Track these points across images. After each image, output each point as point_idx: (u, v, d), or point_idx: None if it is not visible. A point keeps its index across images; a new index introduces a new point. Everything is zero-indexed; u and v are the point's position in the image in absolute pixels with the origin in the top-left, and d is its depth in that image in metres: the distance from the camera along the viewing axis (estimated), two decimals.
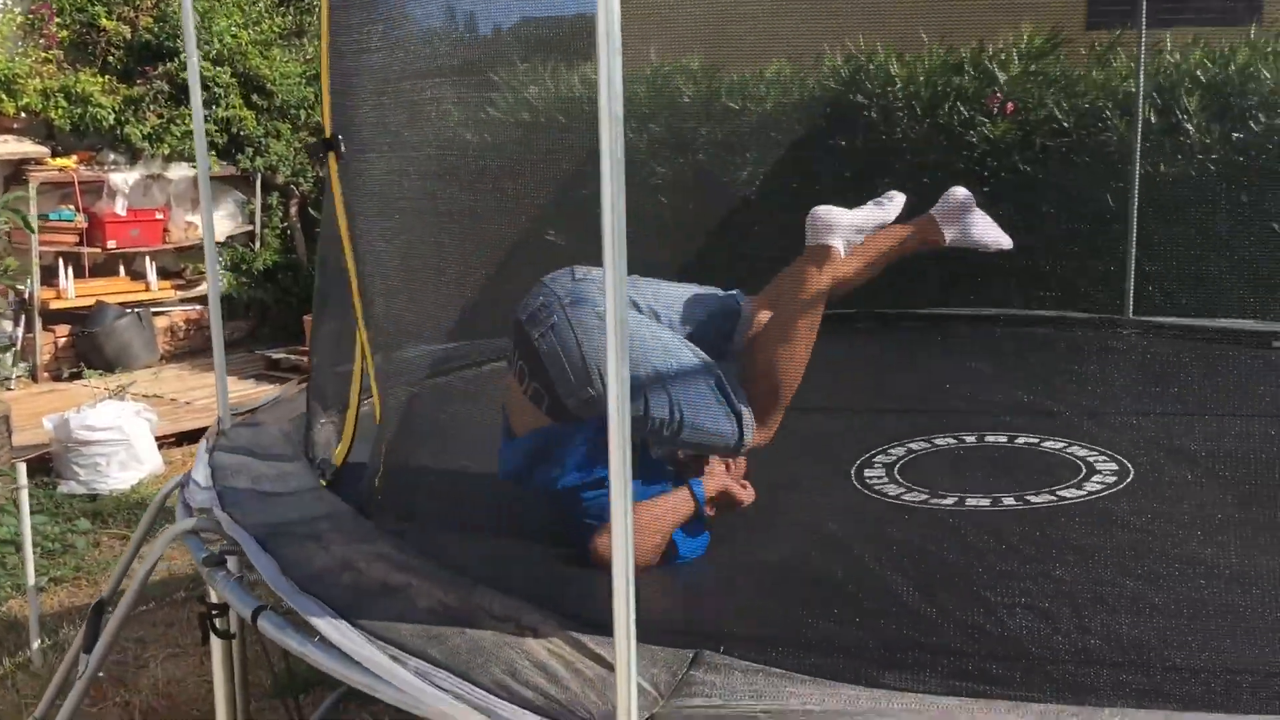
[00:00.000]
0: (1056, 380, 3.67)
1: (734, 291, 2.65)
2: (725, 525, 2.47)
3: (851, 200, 4.98)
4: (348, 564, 2.21)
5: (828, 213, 2.53)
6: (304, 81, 7.61)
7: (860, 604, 2.13)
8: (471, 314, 2.91)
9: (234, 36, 7.19)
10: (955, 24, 5.65)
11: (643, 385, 2.27)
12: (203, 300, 7.38)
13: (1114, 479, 2.81)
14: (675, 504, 2.36)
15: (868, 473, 2.96)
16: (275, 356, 6.99)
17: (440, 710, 1.79)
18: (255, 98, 7.39)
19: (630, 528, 1.63)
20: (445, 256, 2.63)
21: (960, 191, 2.71)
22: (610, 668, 1.73)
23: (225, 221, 7.61)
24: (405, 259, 2.61)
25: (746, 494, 2.48)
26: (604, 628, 1.67)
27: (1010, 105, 5.18)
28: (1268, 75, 4.64)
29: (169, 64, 7.04)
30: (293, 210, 7.89)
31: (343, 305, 2.78)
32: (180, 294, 7.50)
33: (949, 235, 2.70)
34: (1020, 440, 3.17)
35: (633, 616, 1.64)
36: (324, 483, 2.69)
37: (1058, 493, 2.74)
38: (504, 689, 1.79)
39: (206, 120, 6.97)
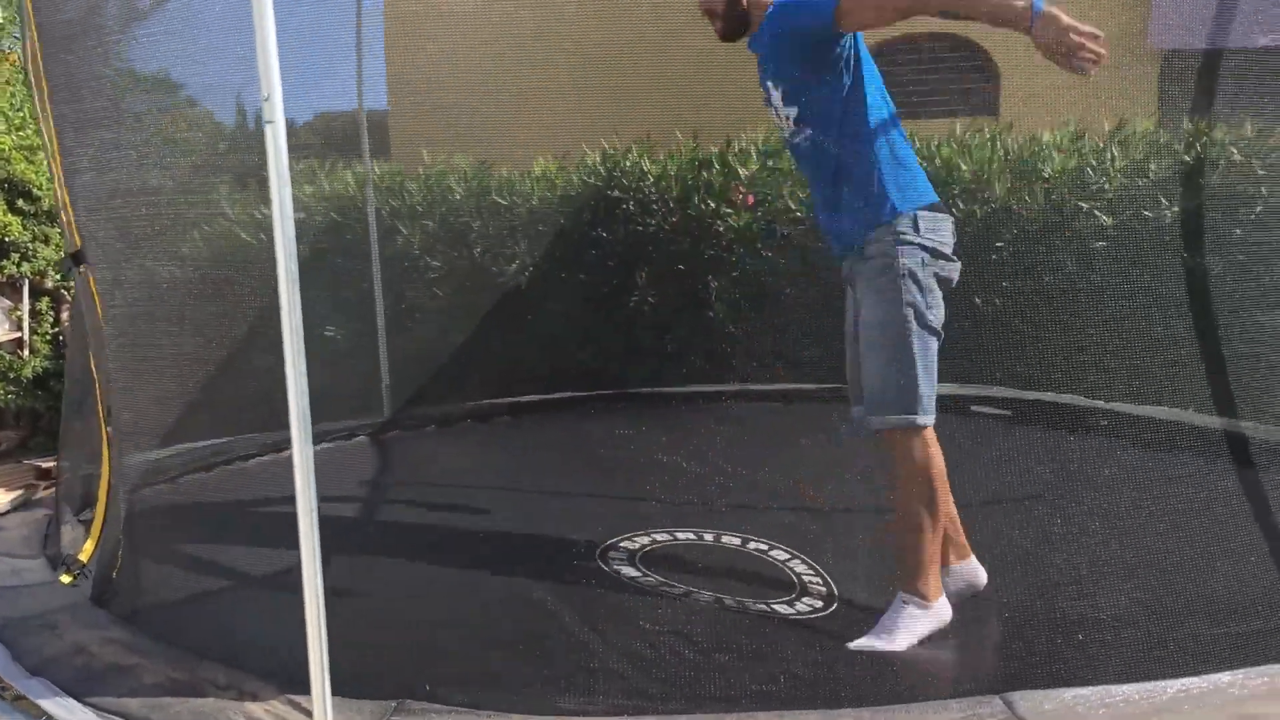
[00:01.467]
0: (786, 452, 4.13)
1: None
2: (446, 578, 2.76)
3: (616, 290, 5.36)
4: (81, 648, 2.39)
5: None
6: None
7: (550, 652, 2.45)
8: (216, 413, 3.15)
9: None
10: (705, 123, 6.24)
11: None
12: None
13: (820, 604, 3.02)
14: None
15: (611, 555, 3.23)
16: (46, 465, 6.88)
17: None
18: (21, 203, 7.35)
19: (320, 591, 1.92)
20: (184, 359, 2.88)
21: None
22: None
23: None
24: (146, 364, 2.84)
25: None
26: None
27: (750, 198, 5.75)
28: (964, 167, 5.32)
29: None
30: (63, 315, 7.82)
31: (90, 409, 2.98)
32: None
33: None
34: (751, 545, 3.46)
35: (327, 676, 1.93)
36: (68, 578, 2.85)
37: (772, 605, 3.01)
38: None
39: None
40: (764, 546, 3.29)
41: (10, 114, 7.39)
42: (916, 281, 2.67)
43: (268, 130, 1.85)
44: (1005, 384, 4.78)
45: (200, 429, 3.72)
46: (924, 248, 2.68)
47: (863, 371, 2.77)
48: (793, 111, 2.85)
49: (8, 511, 3.53)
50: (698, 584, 2.94)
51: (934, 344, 2.72)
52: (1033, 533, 2.90)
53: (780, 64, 2.85)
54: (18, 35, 8.22)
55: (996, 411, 4.56)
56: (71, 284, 7.87)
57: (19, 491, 6.34)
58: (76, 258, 2.68)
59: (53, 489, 3.50)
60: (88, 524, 3.09)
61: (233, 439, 3.98)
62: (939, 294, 2.73)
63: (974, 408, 4.64)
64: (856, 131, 2.77)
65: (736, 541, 3.34)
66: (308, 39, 5.71)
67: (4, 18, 7.41)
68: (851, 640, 2.54)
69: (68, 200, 2.70)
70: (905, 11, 2.67)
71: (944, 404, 4.66)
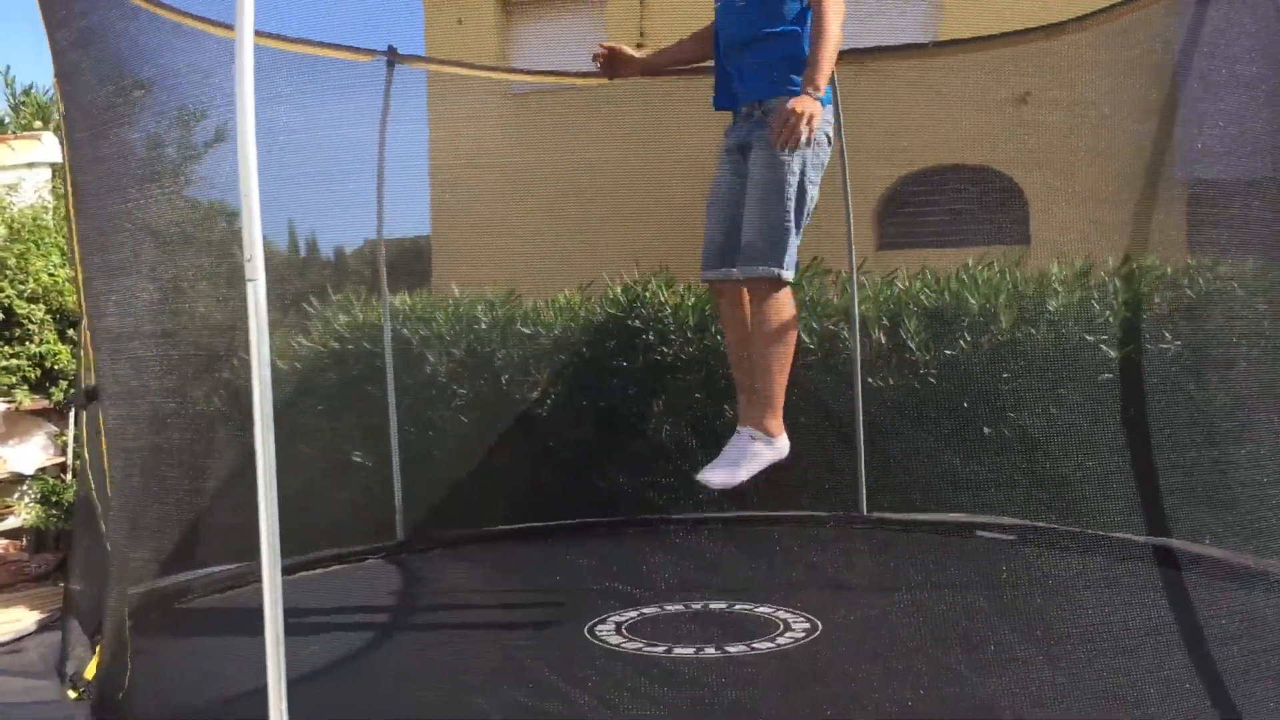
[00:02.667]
0: (798, 566, 4.34)
1: None
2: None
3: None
4: None
5: None
6: None
7: None
8: (217, 542, 3.40)
9: (51, 275, 7.67)
10: None
11: None
12: (9, 535, 7.55)
13: (803, 634, 3.46)
14: None
15: (599, 628, 3.61)
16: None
17: None
18: (71, 332, 7.81)
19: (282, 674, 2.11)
20: (187, 490, 3.14)
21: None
22: None
23: (37, 453, 7.88)
24: (151, 495, 3.11)
25: None
26: None
27: None
28: (972, 300, 5.53)
29: None
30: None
31: (98, 534, 3.24)
32: None
33: None
34: (737, 606, 3.81)
35: None
36: (74, 694, 3.06)
37: (752, 645, 3.35)
38: None
39: (18, 356, 7.38)
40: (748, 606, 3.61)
41: (66, 248, 7.90)
42: (815, 150, 3.11)
43: (249, 287, 2.12)
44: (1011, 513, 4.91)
45: (201, 556, 3.98)
46: (827, 120, 3.12)
47: (744, 227, 3.16)
48: None
49: (32, 633, 3.78)
50: None
51: (808, 211, 3.16)
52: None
53: None
54: None
55: (1001, 536, 4.71)
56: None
57: (47, 614, 6.60)
58: (90, 394, 2.97)
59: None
60: (97, 644, 3.31)
61: (230, 566, 4.23)
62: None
63: (979, 532, 4.80)
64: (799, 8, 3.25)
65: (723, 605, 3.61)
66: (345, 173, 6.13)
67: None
68: None
69: (89, 340, 3.01)
70: None
71: (952, 529, 4.85)
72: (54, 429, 7.98)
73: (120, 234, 3.04)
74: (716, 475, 3.30)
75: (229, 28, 3.51)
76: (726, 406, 6.05)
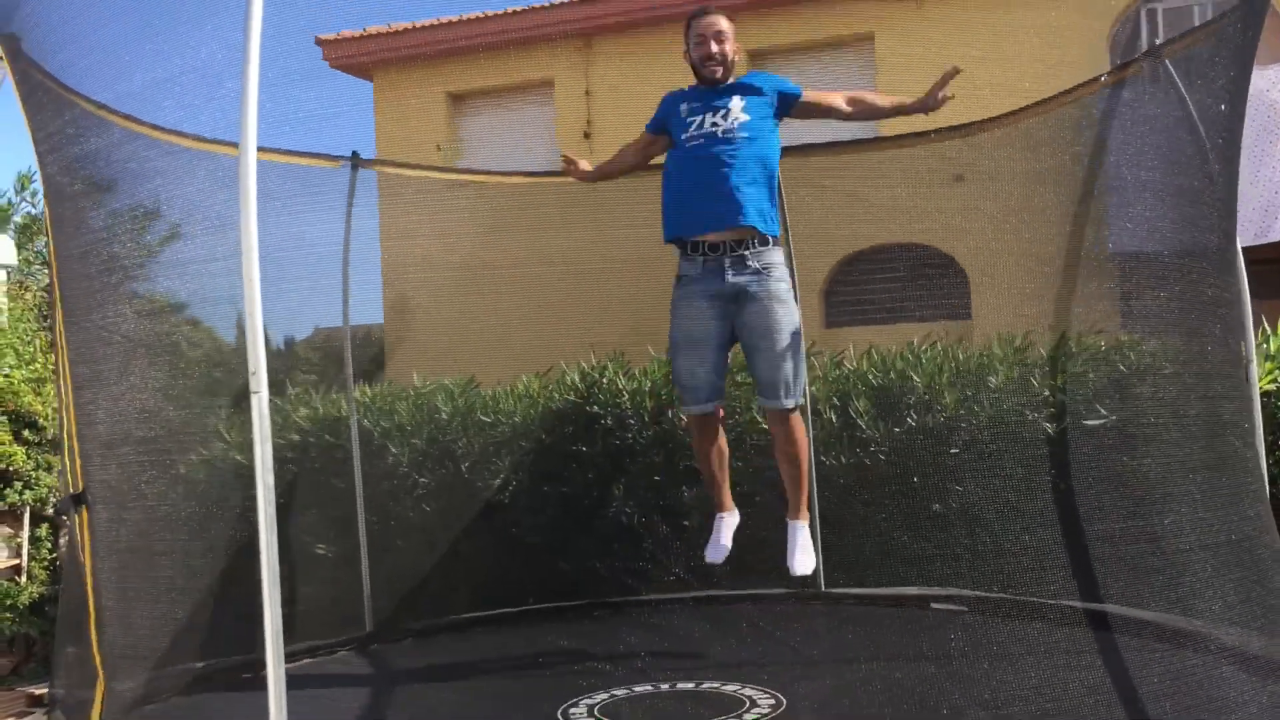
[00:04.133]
0: (762, 643, 4.66)
1: None
2: None
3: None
4: None
5: None
6: None
7: None
8: (205, 637, 3.55)
9: (5, 376, 7.77)
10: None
11: None
12: None
13: (768, 710, 3.71)
14: None
15: (572, 710, 3.86)
16: (39, 692, 7.14)
17: None
18: (26, 433, 7.89)
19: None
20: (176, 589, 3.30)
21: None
22: None
23: None
24: (142, 594, 3.26)
25: None
26: None
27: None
28: (917, 379, 5.83)
29: None
30: (62, 541, 8.22)
31: (85, 637, 3.38)
32: None
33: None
34: (705, 685, 4.09)
35: None
36: None
37: None
38: None
39: None
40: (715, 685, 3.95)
41: (21, 349, 8.01)
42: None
43: (253, 400, 2.33)
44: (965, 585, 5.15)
45: (190, 653, 4.10)
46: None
47: (772, 367, 3.99)
48: (744, 118, 3.98)
49: None
50: None
51: None
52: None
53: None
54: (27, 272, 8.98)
55: (955, 607, 4.95)
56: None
57: (9, 716, 6.60)
58: (78, 499, 3.15)
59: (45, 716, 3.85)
60: None
61: (218, 660, 4.36)
62: None
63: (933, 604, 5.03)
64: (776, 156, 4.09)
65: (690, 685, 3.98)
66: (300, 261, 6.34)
67: (21, 258, 8.16)
68: None
69: (77, 447, 3.19)
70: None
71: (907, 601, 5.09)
72: (8, 531, 8.01)
73: (108, 347, 3.23)
74: (803, 564, 4.32)
75: (206, 141, 3.78)
76: (684, 488, 6.29)
